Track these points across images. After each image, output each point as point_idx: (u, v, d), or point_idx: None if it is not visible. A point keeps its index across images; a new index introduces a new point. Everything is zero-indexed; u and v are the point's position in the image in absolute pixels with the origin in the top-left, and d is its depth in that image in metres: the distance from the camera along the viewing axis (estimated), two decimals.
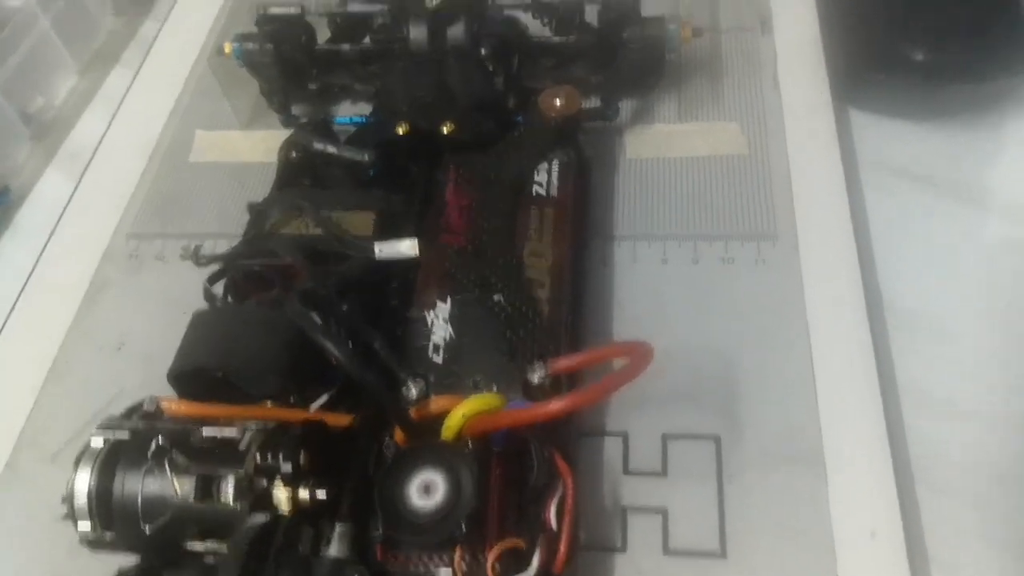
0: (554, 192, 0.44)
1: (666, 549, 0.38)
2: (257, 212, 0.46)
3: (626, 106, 0.53)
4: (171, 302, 0.48)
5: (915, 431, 0.41)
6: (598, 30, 0.51)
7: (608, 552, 0.38)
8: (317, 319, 0.37)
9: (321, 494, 0.32)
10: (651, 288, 0.46)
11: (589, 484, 0.40)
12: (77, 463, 0.35)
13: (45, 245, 0.53)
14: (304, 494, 0.32)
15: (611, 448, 0.41)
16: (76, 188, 0.57)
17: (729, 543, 0.38)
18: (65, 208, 0.56)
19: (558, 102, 0.46)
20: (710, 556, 0.38)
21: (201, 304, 0.43)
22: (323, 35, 0.56)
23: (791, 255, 0.46)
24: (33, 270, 0.52)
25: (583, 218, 0.47)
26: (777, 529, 0.38)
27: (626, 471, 0.40)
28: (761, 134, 0.51)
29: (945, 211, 0.49)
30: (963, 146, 0.51)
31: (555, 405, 0.32)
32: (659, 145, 0.52)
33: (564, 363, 0.36)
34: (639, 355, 0.33)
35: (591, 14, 0.52)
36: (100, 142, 0.59)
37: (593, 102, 0.52)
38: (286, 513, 0.32)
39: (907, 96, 0.51)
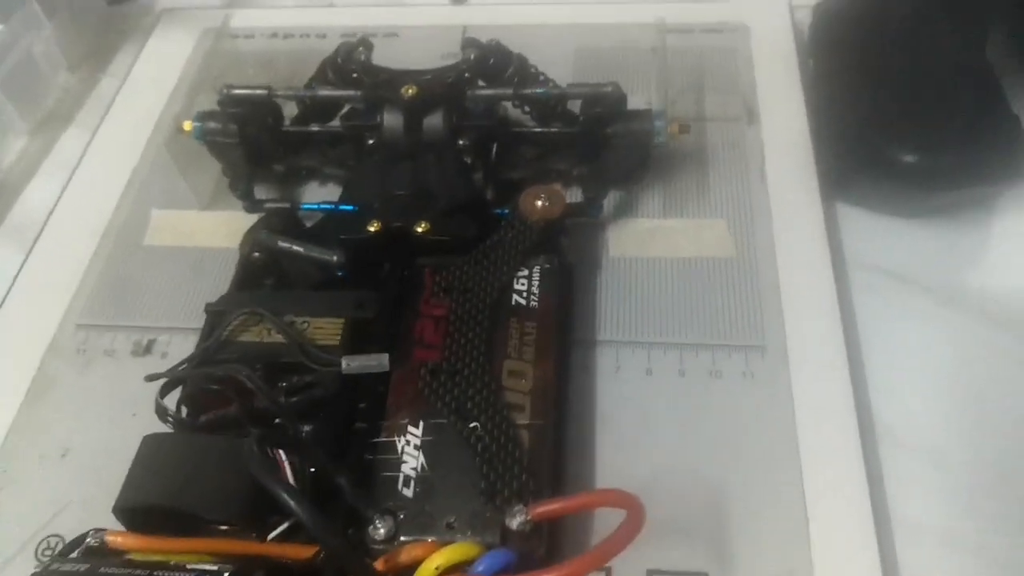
0: (535, 303, 0.42)
1: None
2: (214, 314, 0.43)
3: (610, 200, 0.51)
4: (120, 404, 0.45)
5: (907, 564, 0.39)
6: (582, 123, 0.49)
7: None
8: (282, 455, 0.35)
9: None
10: (635, 401, 0.44)
11: None
12: None
13: None
14: None
15: None
16: (23, 265, 0.53)
17: None
18: (10, 288, 0.52)
19: (540, 204, 0.44)
20: None
21: (151, 410, 0.40)
22: (289, 112, 0.53)
23: (780, 368, 0.44)
24: None
25: (567, 331, 0.44)
26: None
27: None
28: (748, 232, 0.49)
29: (935, 316, 0.47)
30: (956, 247, 0.50)
31: None
32: (643, 242, 0.49)
33: (546, 508, 0.34)
34: (631, 516, 0.30)
35: (574, 104, 0.50)
36: (49, 216, 0.56)
37: (575, 194, 0.50)
38: None
39: (897, 197, 0.50)
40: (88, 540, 0.35)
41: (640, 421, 0.43)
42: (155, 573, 0.33)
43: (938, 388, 0.45)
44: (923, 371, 0.45)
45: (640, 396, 0.44)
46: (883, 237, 0.51)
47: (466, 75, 0.49)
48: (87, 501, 0.42)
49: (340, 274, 0.44)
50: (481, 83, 0.50)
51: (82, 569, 0.33)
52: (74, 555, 0.35)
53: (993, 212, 0.51)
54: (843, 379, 0.43)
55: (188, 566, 0.33)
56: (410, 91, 0.47)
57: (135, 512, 0.36)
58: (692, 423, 0.43)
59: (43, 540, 0.41)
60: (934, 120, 0.48)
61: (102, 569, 0.33)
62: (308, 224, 0.49)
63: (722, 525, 0.39)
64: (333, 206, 0.49)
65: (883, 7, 0.55)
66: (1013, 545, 0.40)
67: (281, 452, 0.35)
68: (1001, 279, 0.49)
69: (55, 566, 0.33)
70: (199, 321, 0.43)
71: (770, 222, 0.50)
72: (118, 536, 0.35)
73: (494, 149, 0.50)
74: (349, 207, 0.48)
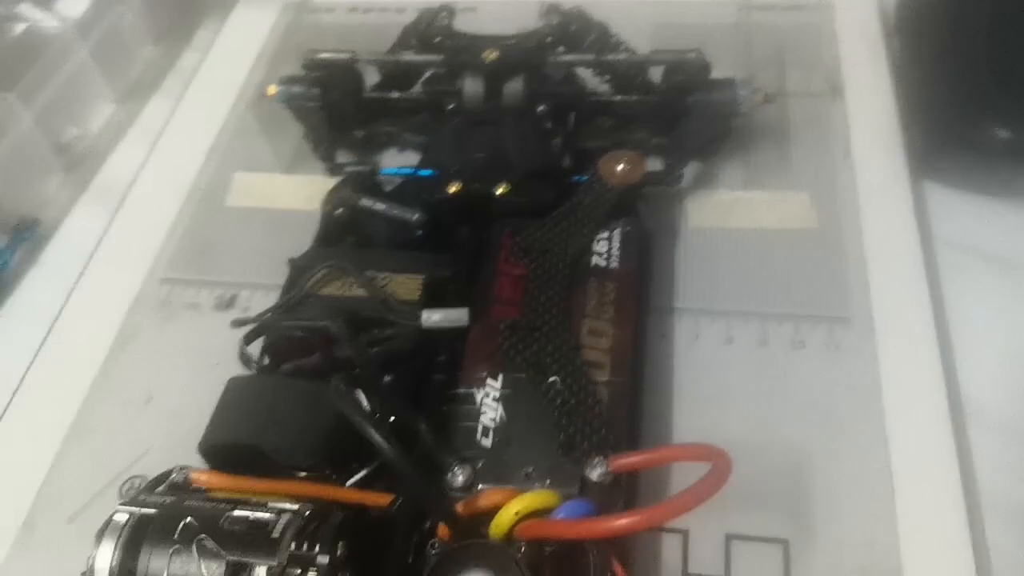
0: (615, 264, 0.42)
1: None
2: (297, 268, 0.43)
3: (689, 170, 0.50)
4: (203, 355, 0.46)
5: (996, 543, 0.38)
6: (663, 91, 0.49)
7: None
8: (363, 400, 0.35)
9: None
10: (715, 370, 0.43)
11: None
12: (99, 537, 0.32)
13: (73, 287, 0.51)
14: None
15: (670, 547, 0.38)
16: (109, 226, 0.55)
17: None
18: (96, 247, 0.54)
19: (620, 168, 0.44)
20: None
21: (234, 358, 0.41)
22: (371, 80, 0.54)
23: (866, 341, 0.43)
24: (60, 314, 0.50)
25: (646, 294, 0.44)
26: None
27: (685, 574, 0.37)
28: (832, 207, 0.48)
29: None
30: None
31: (623, 522, 0.29)
32: (723, 214, 0.49)
33: (627, 461, 0.33)
34: (717, 468, 0.30)
35: (655, 73, 0.50)
36: (135, 178, 0.57)
37: (654, 164, 0.50)
38: None
39: (988, 173, 0.48)
40: (173, 476, 0.36)
41: (719, 389, 0.42)
42: (237, 507, 0.33)
43: None
44: (1013, 351, 0.44)
45: (720, 364, 0.43)
46: (973, 216, 0.49)
47: (548, 40, 0.49)
48: (169, 446, 0.43)
49: (419, 233, 0.45)
50: (562, 49, 0.50)
51: (167, 500, 0.34)
52: (160, 489, 0.36)
53: None
54: (931, 354, 0.42)
55: (268, 504, 0.34)
56: (491, 56, 0.47)
57: (219, 450, 0.36)
58: (774, 392, 0.42)
59: (127, 480, 0.42)
60: None
61: (187, 501, 0.34)
62: (388, 189, 0.50)
63: (803, 495, 0.39)
64: (413, 170, 0.49)
65: None
66: None
67: (362, 395, 0.35)
68: None
69: (142, 497, 0.34)
70: (280, 278, 0.44)
71: (855, 197, 0.49)
72: (202, 474, 0.35)
73: (572, 117, 0.50)
74: (428, 172, 0.48)
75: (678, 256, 0.47)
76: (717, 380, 0.43)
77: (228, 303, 0.49)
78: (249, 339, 0.41)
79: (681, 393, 0.42)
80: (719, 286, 0.46)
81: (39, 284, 0.53)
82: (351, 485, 0.36)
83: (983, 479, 0.40)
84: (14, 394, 0.47)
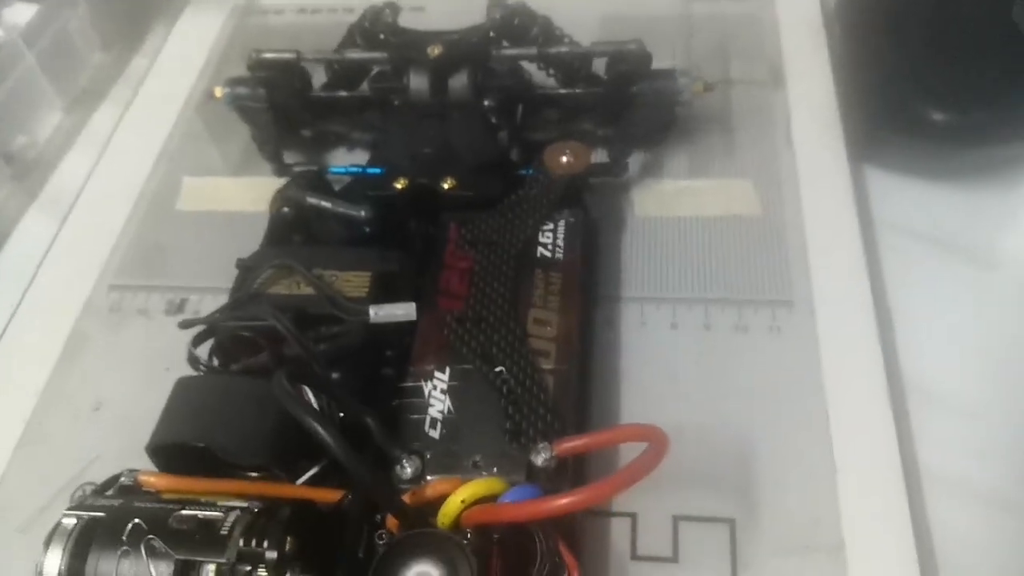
0: (560, 255, 0.42)
1: None
2: (245, 269, 0.43)
3: (634, 161, 0.51)
4: (153, 360, 0.46)
5: (937, 518, 0.39)
6: (606, 82, 0.49)
7: None
8: (309, 394, 0.35)
9: None
10: (661, 355, 0.44)
11: (594, 571, 0.37)
12: (48, 543, 0.32)
13: (23, 296, 0.51)
14: None
15: (618, 530, 0.38)
16: (58, 233, 0.54)
17: None
18: (46, 254, 0.53)
19: (565, 159, 0.44)
20: None
21: (184, 363, 0.41)
22: (318, 80, 0.54)
23: (807, 323, 0.44)
24: (9, 323, 0.49)
25: (591, 283, 0.44)
26: None
27: (634, 556, 0.38)
28: (775, 193, 0.49)
29: (964, 277, 0.47)
30: (983, 208, 0.49)
31: (564, 501, 0.29)
32: (668, 203, 0.50)
33: (570, 445, 0.34)
34: (655, 445, 0.30)
35: (599, 65, 0.50)
36: (84, 185, 0.57)
37: (600, 156, 0.50)
38: None
39: (926, 157, 0.50)
40: (122, 479, 0.36)
41: (666, 374, 0.43)
42: (185, 507, 0.33)
43: (967, 346, 0.44)
44: (952, 329, 0.45)
45: (665, 349, 0.44)
46: (912, 199, 0.50)
47: (491, 35, 0.50)
48: (120, 451, 0.42)
49: (368, 230, 0.45)
50: (506, 44, 0.50)
51: (116, 503, 0.34)
52: (108, 493, 0.35)
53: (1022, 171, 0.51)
54: (871, 333, 0.43)
55: (218, 503, 0.34)
56: (436, 51, 0.47)
57: (167, 451, 0.36)
58: (718, 375, 0.43)
59: (78, 488, 0.42)
60: (963, 78, 0.48)
61: (136, 503, 0.34)
62: (337, 188, 0.50)
63: (748, 475, 0.39)
64: (361, 169, 0.49)
65: None
66: None
67: (308, 390, 0.35)
68: None
69: (90, 501, 0.34)
70: (229, 281, 0.44)
71: (797, 183, 0.50)
72: (151, 476, 0.35)
73: (519, 111, 0.50)
74: (376, 170, 0.48)
75: (624, 245, 0.48)
76: (663, 365, 0.43)
77: (178, 308, 0.49)
78: (198, 341, 0.41)
79: (628, 378, 0.43)
80: (664, 273, 0.47)
81: None
82: (302, 483, 0.36)
83: (925, 456, 0.40)
84: None
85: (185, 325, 0.41)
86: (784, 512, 0.38)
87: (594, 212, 0.47)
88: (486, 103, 0.48)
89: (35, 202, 0.58)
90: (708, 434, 0.40)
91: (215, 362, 0.41)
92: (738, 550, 0.37)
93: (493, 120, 0.48)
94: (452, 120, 0.48)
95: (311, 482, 0.36)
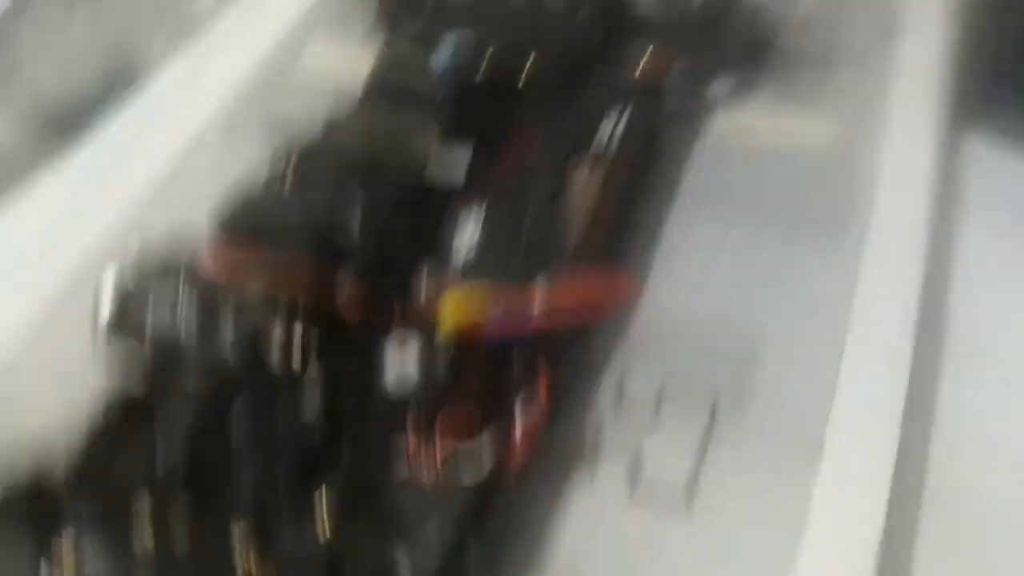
0: (614, 151, 0.44)
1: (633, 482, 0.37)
2: None
3: (719, 88, 0.51)
4: None
5: (939, 460, 0.38)
6: (701, 8, 0.51)
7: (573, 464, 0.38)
8: None
9: None
10: (707, 258, 0.45)
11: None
12: None
13: None
14: None
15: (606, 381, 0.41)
16: None
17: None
18: None
19: (645, 60, 0.46)
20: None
21: None
22: None
23: (854, 253, 0.43)
24: None
25: (644, 184, 0.46)
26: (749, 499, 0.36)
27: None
28: (857, 137, 0.49)
29: None
30: None
31: None
32: (746, 133, 0.50)
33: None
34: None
35: None
36: None
37: (687, 79, 0.51)
38: None
39: None
40: None
41: (706, 271, 0.45)
42: None
43: None
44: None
45: (713, 254, 0.46)
46: (1009, 172, 0.48)
47: None
48: None
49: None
50: None
51: None
52: None
53: None
54: (915, 279, 0.41)
55: None
56: None
57: None
58: (754, 276, 0.44)
59: None
60: None
61: None
62: None
63: (750, 357, 0.41)
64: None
65: None
66: None
67: None
68: None
69: None
70: None
71: (885, 132, 0.48)
72: None
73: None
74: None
75: (691, 164, 0.49)
76: (708, 265, 0.45)
77: None
78: None
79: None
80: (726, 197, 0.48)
81: None
82: None
83: (941, 398, 0.40)
84: None
85: None
86: (772, 405, 0.39)
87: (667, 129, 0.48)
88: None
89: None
90: (724, 310, 0.42)
91: None
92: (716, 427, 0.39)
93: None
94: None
95: None
